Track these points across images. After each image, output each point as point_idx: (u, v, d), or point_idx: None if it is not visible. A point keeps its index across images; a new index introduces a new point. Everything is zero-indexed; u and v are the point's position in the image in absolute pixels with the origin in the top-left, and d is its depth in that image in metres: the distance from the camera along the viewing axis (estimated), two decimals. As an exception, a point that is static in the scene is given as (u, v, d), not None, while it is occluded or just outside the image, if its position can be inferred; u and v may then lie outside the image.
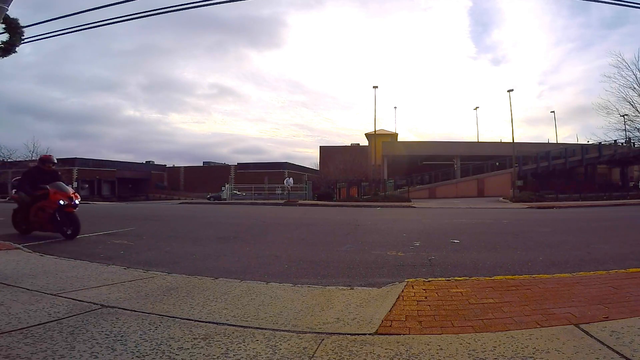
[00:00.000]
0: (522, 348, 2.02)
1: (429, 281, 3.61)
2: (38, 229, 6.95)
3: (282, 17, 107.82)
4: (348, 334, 2.31)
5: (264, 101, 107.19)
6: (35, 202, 6.74)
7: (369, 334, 2.32)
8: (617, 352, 1.90)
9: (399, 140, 45.44)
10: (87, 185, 47.66)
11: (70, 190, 7.06)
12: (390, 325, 2.47)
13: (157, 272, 4.09)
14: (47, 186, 6.79)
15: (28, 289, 3.28)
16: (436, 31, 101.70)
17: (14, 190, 7.52)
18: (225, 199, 35.30)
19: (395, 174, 37.08)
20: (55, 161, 7.47)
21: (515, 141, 31.13)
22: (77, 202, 7.00)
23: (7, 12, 5.02)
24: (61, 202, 6.65)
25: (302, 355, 2.00)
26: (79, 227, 6.81)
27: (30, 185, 6.93)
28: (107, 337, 2.20)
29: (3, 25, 5.49)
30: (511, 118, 52.96)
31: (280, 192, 35.67)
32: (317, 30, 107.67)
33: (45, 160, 7.36)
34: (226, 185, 38.53)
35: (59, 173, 7.71)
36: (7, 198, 7.90)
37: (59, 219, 6.62)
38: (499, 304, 2.82)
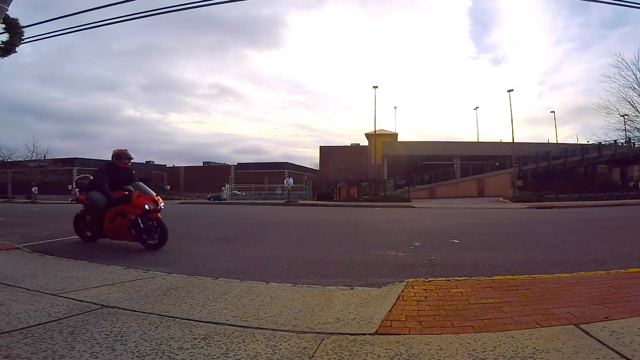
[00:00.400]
0: (522, 348, 2.02)
1: (429, 281, 3.61)
2: (112, 237, 6.04)
3: (282, 17, 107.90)
4: (348, 334, 2.31)
5: (263, 101, 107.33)
6: (112, 205, 5.81)
7: (369, 334, 2.32)
8: (617, 352, 1.90)
9: (399, 140, 45.45)
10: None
11: (153, 192, 6.10)
12: (390, 325, 2.47)
13: (157, 272, 4.08)
14: (131, 187, 5.91)
15: (28, 289, 3.28)
16: (436, 31, 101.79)
17: (77, 190, 6.45)
18: (225, 199, 35.30)
19: (395, 174, 37.08)
20: (133, 157, 6.39)
21: (515, 141, 31.17)
22: (162, 206, 6.03)
23: (7, 12, 5.03)
24: (147, 206, 5.68)
25: (302, 355, 2.00)
26: (167, 236, 5.75)
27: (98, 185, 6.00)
28: (107, 337, 2.20)
29: (3, 25, 5.50)
30: (511, 118, 53.03)
31: (280, 192, 35.70)
32: (317, 30, 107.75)
33: (122, 155, 6.21)
34: (226, 185, 38.54)
35: (134, 172, 6.58)
36: (71, 199, 6.83)
37: (141, 226, 5.70)
38: (499, 304, 2.82)
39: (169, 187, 15.46)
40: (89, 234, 6.29)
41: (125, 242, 6.56)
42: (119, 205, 5.73)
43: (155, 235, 5.73)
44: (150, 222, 5.73)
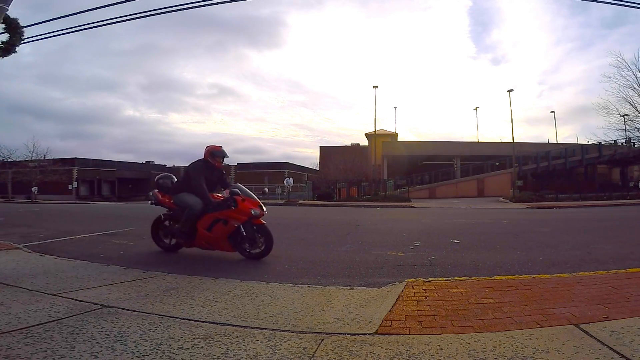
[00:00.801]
0: (522, 348, 2.02)
1: (429, 281, 3.61)
2: (205, 247, 5.21)
3: (282, 16, 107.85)
4: (348, 334, 2.31)
5: (263, 101, 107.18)
6: (210, 210, 5.02)
7: (369, 334, 2.32)
8: (617, 352, 1.90)
9: (399, 140, 45.42)
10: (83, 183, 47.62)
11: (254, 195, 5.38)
12: (390, 325, 2.47)
13: (157, 272, 4.08)
14: (237, 190, 5.11)
15: (28, 289, 3.28)
16: (436, 31, 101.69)
17: (156, 191, 5.55)
18: (225, 199, 35.25)
19: (395, 174, 37.07)
20: (228, 155, 5.49)
21: (515, 141, 31.11)
22: (266, 211, 5.34)
23: (7, 12, 5.03)
24: (253, 212, 4.99)
25: (302, 355, 2.00)
26: (272, 243, 5.06)
27: (189, 186, 5.19)
28: (107, 337, 2.20)
29: (3, 25, 5.50)
30: (511, 118, 52.95)
31: (280, 192, 35.69)
32: (317, 30, 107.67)
33: (217, 153, 5.32)
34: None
35: (224, 171, 5.78)
36: (150, 202, 5.57)
37: (244, 233, 5.01)
38: (499, 304, 2.82)
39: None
40: (171, 242, 5.47)
41: (125, 242, 6.56)
42: (219, 210, 4.96)
43: (259, 244, 5.06)
44: (253, 229, 5.04)
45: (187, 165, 5.69)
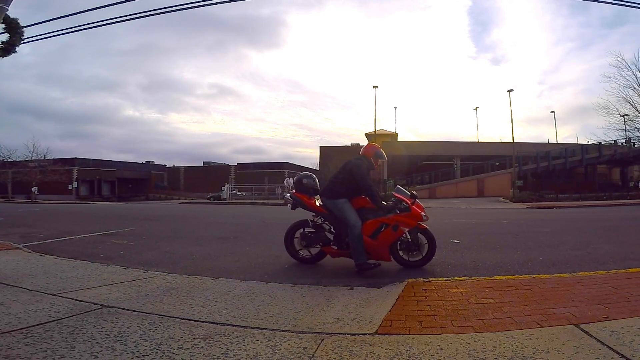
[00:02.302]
0: (522, 348, 2.02)
1: (429, 281, 3.61)
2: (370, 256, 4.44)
3: (282, 16, 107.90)
4: (348, 334, 2.31)
5: (263, 101, 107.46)
6: (377, 215, 4.44)
7: (369, 334, 2.32)
8: (617, 352, 1.90)
9: (399, 140, 45.41)
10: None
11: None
12: (390, 325, 2.47)
13: (157, 272, 4.09)
14: (402, 192, 4.63)
15: (28, 289, 3.28)
16: (436, 31, 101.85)
17: (294, 192, 4.93)
18: (225, 199, 35.29)
19: (395, 174, 37.05)
20: (386, 158, 4.84)
21: (515, 141, 31.10)
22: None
23: (7, 12, 5.03)
24: (423, 216, 4.53)
25: (302, 355, 2.00)
26: (435, 250, 4.60)
27: (354, 189, 4.50)
28: (107, 337, 2.20)
29: (3, 25, 5.49)
30: (511, 118, 52.85)
31: (280, 192, 35.67)
32: (316, 30, 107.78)
33: (379, 153, 4.73)
34: (226, 185, 38.52)
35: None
36: (290, 205, 4.69)
37: (409, 240, 4.54)
38: (499, 304, 2.82)
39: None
40: (311, 253, 4.82)
41: (125, 242, 6.56)
42: (388, 215, 4.42)
43: (422, 250, 4.58)
44: (417, 235, 4.59)
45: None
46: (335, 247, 4.59)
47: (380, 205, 4.42)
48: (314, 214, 4.81)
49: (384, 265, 4.64)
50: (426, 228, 4.63)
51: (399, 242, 4.53)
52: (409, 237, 4.51)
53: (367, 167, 4.59)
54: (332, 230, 4.66)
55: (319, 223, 4.79)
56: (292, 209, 4.89)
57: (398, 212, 4.44)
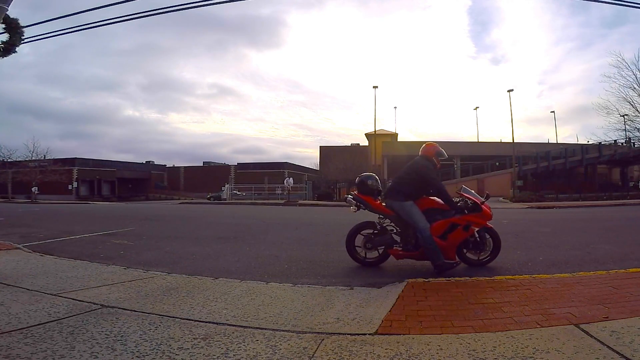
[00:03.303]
0: (522, 348, 2.02)
1: (429, 281, 3.61)
2: (420, 257, 4.51)
3: (282, 16, 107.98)
4: (348, 334, 2.31)
5: (263, 101, 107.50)
6: (439, 216, 4.42)
7: (369, 334, 2.32)
8: (617, 352, 1.90)
9: (399, 140, 45.40)
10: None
11: None
12: (390, 325, 2.47)
13: (157, 272, 4.09)
14: (468, 192, 4.67)
15: (28, 289, 3.28)
16: (435, 30, 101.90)
17: (355, 193, 4.85)
18: (225, 199, 35.30)
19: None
20: (446, 155, 4.83)
21: (515, 141, 31.14)
22: None
23: (7, 12, 5.02)
24: (492, 215, 4.60)
25: (302, 355, 2.00)
26: (500, 246, 4.67)
27: (420, 190, 4.50)
28: (107, 337, 2.20)
29: (3, 25, 5.49)
30: (511, 118, 52.92)
31: (280, 192, 35.67)
32: (316, 30, 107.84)
33: (440, 153, 4.70)
34: (226, 185, 38.52)
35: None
36: (353, 208, 4.82)
37: (478, 239, 4.57)
38: (499, 304, 2.82)
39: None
40: (374, 255, 4.72)
41: (125, 242, 6.56)
42: (459, 215, 4.41)
43: (487, 249, 4.63)
44: (484, 234, 4.64)
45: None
46: (401, 249, 4.54)
47: (455, 206, 4.42)
48: (380, 216, 4.74)
49: (384, 265, 4.65)
50: (491, 227, 4.67)
51: (472, 242, 4.56)
52: (477, 236, 4.54)
53: (433, 167, 4.60)
54: (396, 231, 4.62)
55: (385, 225, 4.72)
56: (355, 211, 4.81)
57: (466, 212, 4.45)
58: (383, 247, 4.65)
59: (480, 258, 4.60)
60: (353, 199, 4.78)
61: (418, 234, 4.28)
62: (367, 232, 4.76)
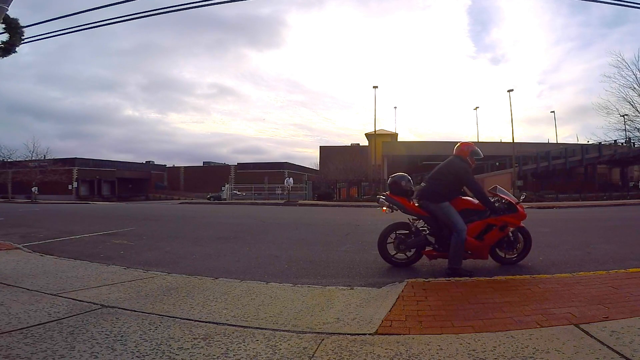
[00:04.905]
0: (522, 348, 2.02)
1: (429, 281, 3.61)
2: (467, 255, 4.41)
3: (282, 16, 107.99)
4: (348, 334, 2.31)
5: (263, 101, 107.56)
6: (475, 216, 4.41)
7: (369, 334, 2.32)
8: (617, 352, 1.90)
9: (399, 140, 45.41)
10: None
11: None
12: (390, 325, 2.47)
13: (157, 272, 4.09)
14: (503, 193, 4.70)
15: (28, 289, 3.28)
16: (435, 30, 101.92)
17: (388, 194, 4.77)
18: (225, 199, 35.30)
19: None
20: (482, 154, 4.69)
21: (515, 141, 31.13)
22: None
23: (7, 12, 5.02)
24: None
25: (302, 355, 2.00)
26: (531, 245, 4.76)
27: (455, 191, 4.50)
28: (107, 337, 2.20)
29: (3, 25, 5.49)
30: (511, 118, 52.98)
31: (280, 192, 35.68)
32: (316, 30, 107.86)
33: (475, 152, 4.60)
34: (226, 185, 38.53)
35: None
36: (387, 209, 4.74)
37: (511, 238, 4.60)
38: (499, 304, 2.82)
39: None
40: (407, 256, 4.63)
41: (125, 242, 6.56)
42: (496, 216, 4.40)
43: (518, 248, 4.70)
44: (517, 233, 4.69)
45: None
46: (434, 250, 4.50)
47: (493, 207, 4.39)
48: (414, 217, 4.67)
49: (384, 265, 4.65)
50: (524, 226, 4.71)
51: (506, 242, 4.60)
52: (511, 236, 4.57)
53: (469, 167, 4.53)
54: (429, 232, 4.57)
55: (420, 226, 4.65)
56: (390, 212, 4.76)
57: (501, 212, 4.45)
58: (415, 248, 4.60)
59: (507, 256, 4.63)
60: (385, 199, 4.71)
61: (454, 235, 4.19)
62: (400, 233, 4.68)
